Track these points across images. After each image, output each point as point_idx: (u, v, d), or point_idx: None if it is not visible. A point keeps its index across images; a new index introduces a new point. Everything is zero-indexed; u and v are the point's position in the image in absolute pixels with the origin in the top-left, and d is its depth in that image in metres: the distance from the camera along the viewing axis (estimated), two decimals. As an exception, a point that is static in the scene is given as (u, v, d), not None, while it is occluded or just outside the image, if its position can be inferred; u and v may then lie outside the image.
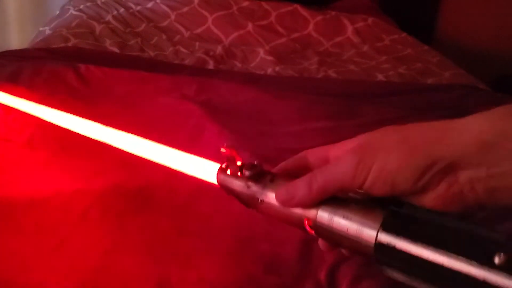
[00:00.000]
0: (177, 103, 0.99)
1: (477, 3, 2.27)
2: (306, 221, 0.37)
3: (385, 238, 0.33)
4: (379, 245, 0.33)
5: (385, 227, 0.33)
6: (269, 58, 1.45)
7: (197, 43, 1.52)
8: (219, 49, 1.48)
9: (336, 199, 0.36)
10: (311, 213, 0.36)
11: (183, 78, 1.14)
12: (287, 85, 1.24)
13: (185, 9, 1.68)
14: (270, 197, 0.39)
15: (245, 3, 1.74)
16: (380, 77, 1.39)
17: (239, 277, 0.55)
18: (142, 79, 1.11)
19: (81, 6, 1.64)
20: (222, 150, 0.43)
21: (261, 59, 1.45)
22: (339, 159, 0.37)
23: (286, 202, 0.38)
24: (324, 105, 1.08)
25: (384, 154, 0.34)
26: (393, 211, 0.34)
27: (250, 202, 0.41)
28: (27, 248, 0.57)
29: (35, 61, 1.14)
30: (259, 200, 0.40)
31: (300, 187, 0.37)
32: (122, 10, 1.65)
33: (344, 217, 0.35)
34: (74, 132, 0.77)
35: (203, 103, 0.99)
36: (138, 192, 0.68)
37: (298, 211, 0.37)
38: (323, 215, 0.36)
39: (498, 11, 2.25)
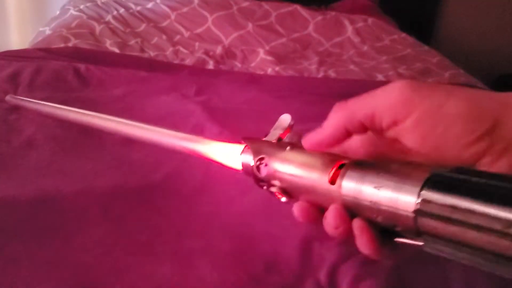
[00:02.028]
0: (177, 103, 0.99)
1: (477, 3, 2.27)
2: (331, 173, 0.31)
3: (430, 195, 0.26)
4: (423, 203, 0.26)
5: (430, 186, 0.26)
6: (269, 58, 1.45)
7: (197, 43, 1.52)
8: (219, 49, 1.48)
9: (365, 165, 0.30)
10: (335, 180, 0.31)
11: (183, 78, 1.14)
12: (287, 85, 1.24)
13: (185, 9, 1.68)
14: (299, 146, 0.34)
15: (245, 3, 1.74)
16: (380, 77, 1.39)
17: (240, 277, 0.55)
18: (142, 79, 1.11)
19: (81, 6, 1.65)
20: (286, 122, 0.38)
21: (261, 59, 1.45)
22: (380, 88, 0.30)
23: (310, 138, 0.34)
24: (324, 105, 1.07)
25: (443, 95, 0.28)
26: (439, 173, 0.26)
27: (273, 151, 0.35)
28: (26, 248, 0.57)
29: (35, 61, 1.14)
30: (287, 148, 0.35)
31: (328, 118, 0.33)
32: (122, 10, 1.65)
33: (374, 183, 0.28)
34: (74, 132, 0.78)
35: (203, 103, 0.99)
36: (138, 192, 0.68)
37: (318, 170, 0.32)
38: (348, 185, 0.30)
39: (498, 11, 2.26)
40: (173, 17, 1.65)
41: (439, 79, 1.41)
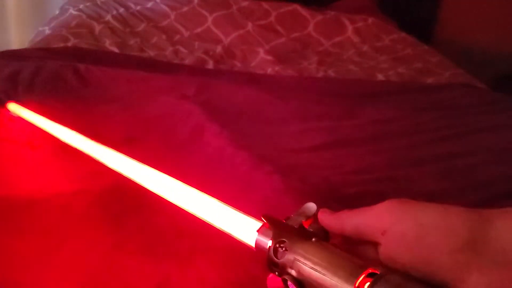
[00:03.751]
0: (177, 103, 0.99)
1: (476, 3, 2.27)
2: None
3: None
4: None
5: None
6: (269, 58, 1.45)
7: (196, 43, 1.52)
8: (218, 49, 1.48)
9: (397, 279, 0.29)
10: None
11: (183, 78, 1.14)
12: (287, 85, 1.24)
13: (185, 9, 1.68)
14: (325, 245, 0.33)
15: (245, 3, 1.74)
16: (380, 77, 1.39)
17: (239, 277, 0.55)
18: (142, 79, 1.11)
19: (81, 6, 1.64)
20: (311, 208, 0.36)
21: (261, 59, 1.45)
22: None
23: (323, 213, 0.36)
24: (324, 105, 1.08)
25: (422, 207, 0.31)
26: None
27: (296, 242, 0.34)
28: (27, 248, 0.57)
29: (35, 61, 1.14)
30: (313, 239, 0.33)
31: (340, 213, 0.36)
32: (121, 10, 1.65)
33: None
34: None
35: (203, 103, 0.99)
36: (138, 192, 0.68)
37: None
38: None
39: (498, 11, 2.25)
40: (172, 16, 1.65)
41: (439, 79, 1.41)
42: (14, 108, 0.87)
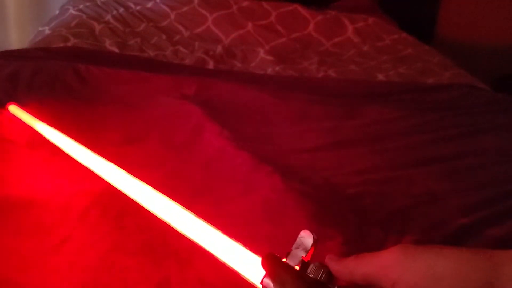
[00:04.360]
0: (177, 103, 0.99)
1: (477, 3, 2.27)
2: None
3: None
4: None
5: None
6: (269, 58, 1.45)
7: (196, 43, 1.52)
8: (219, 49, 1.48)
9: None
10: None
11: (183, 78, 1.13)
12: (287, 85, 1.23)
13: (185, 8, 1.68)
14: None
15: (245, 3, 1.74)
16: (381, 77, 1.39)
17: (239, 277, 0.55)
18: (142, 79, 1.11)
19: (81, 6, 1.64)
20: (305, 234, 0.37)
21: (261, 59, 1.45)
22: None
23: (331, 261, 0.37)
24: (324, 105, 1.08)
25: (432, 255, 0.31)
26: None
27: None
28: (27, 248, 0.57)
29: (35, 61, 1.13)
30: None
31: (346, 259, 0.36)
32: (121, 10, 1.65)
33: None
34: (73, 132, 0.77)
35: (203, 103, 0.98)
36: (138, 192, 0.68)
37: None
38: None
39: (498, 10, 2.25)
40: (172, 16, 1.65)
41: (439, 79, 1.41)
42: (14, 110, 0.87)
